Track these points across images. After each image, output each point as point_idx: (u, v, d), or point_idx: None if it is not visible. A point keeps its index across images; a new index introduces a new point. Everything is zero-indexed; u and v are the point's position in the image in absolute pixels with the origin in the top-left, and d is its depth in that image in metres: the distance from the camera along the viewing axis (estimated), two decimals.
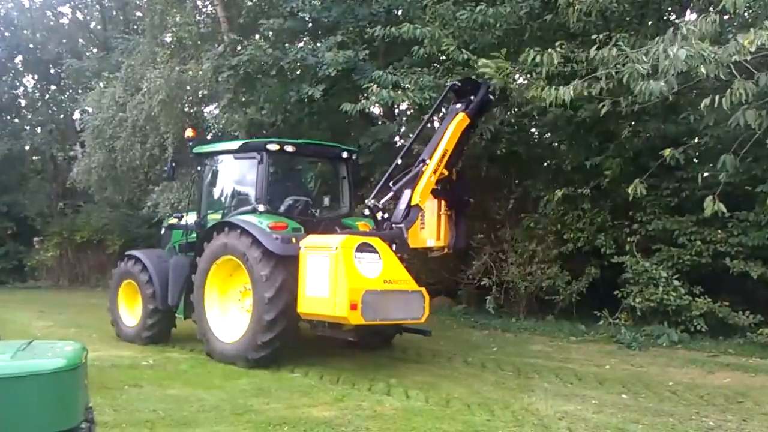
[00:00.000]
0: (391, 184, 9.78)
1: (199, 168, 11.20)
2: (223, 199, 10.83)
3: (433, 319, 13.88)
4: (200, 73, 15.26)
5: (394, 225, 9.39)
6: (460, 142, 10.21)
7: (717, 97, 7.85)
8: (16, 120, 26.49)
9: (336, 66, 13.23)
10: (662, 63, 7.66)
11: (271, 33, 14.63)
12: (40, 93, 27.48)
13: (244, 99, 15.36)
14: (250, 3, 17.10)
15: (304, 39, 14.98)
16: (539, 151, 13.68)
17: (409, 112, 17.07)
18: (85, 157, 18.43)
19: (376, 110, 15.78)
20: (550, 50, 9.06)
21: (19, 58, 26.08)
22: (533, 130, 14.35)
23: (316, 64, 13.59)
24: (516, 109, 13.20)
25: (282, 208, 9.98)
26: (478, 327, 12.95)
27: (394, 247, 8.92)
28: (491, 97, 10.74)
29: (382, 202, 9.57)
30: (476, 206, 14.83)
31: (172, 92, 15.17)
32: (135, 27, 21.67)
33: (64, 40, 25.81)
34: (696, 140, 11.46)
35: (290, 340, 9.17)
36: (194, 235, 10.73)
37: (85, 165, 18.52)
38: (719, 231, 11.24)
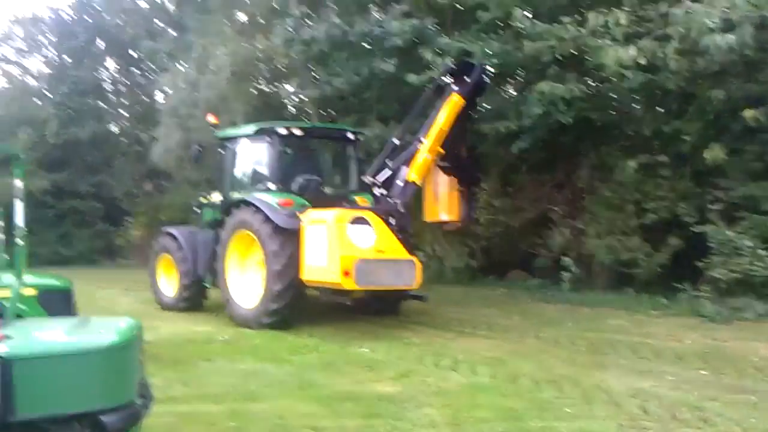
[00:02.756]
0: (388, 161, 10.57)
1: (221, 151, 11.95)
2: (242, 178, 11.62)
3: (507, 293, 13.79)
4: (269, 48, 15.26)
5: (390, 199, 10.13)
6: (460, 121, 10.60)
7: None
8: (101, 103, 27.32)
9: (402, 35, 13.02)
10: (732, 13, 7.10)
11: (336, 5, 14.43)
12: (122, 75, 28.28)
13: (313, 75, 15.39)
14: None
15: (373, 10, 14.77)
16: (615, 117, 13.08)
17: None
18: (163, 137, 18.86)
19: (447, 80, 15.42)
20: (615, 10, 8.56)
21: (100, 42, 26.74)
22: (612, 94, 13.70)
23: (383, 35, 13.41)
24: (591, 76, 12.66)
25: (294, 187, 10.69)
26: (554, 301, 12.61)
27: (392, 220, 9.69)
28: (486, 79, 10.85)
29: (379, 178, 10.40)
30: (551, 177, 14.52)
31: (239, 69, 15.25)
32: (207, 6, 21.90)
33: (136, 21, 26.35)
34: None
35: (298, 307, 10.12)
36: (218, 212, 11.52)
37: (163, 145, 18.98)
38: None
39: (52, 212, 25.58)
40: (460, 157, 11.30)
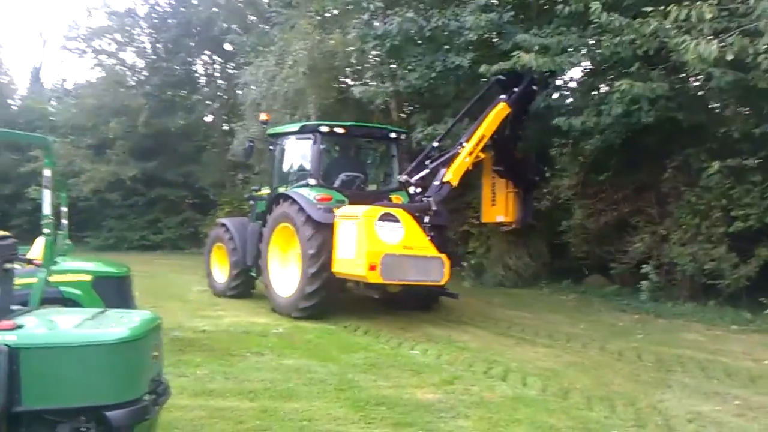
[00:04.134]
0: (428, 162, 11.25)
1: (271, 147, 12.55)
2: (288, 174, 12.06)
3: (580, 298, 13.20)
4: (345, 42, 15.18)
5: (424, 198, 10.55)
6: (512, 127, 11.84)
7: None
8: (191, 95, 28.06)
9: (477, 30, 12.64)
10: None
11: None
12: (213, 68, 28.96)
13: (390, 69, 15.18)
14: None
15: (452, 5, 14.42)
16: (702, 118, 12.23)
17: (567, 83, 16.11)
18: (243, 129, 19.12)
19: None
20: (700, 3, 7.92)
21: (192, 35, 27.39)
22: (700, 93, 12.84)
23: (459, 29, 13.06)
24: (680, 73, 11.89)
25: (336, 183, 11.13)
26: (629, 310, 11.92)
27: (426, 218, 10.09)
28: (534, 87, 12.07)
29: (414, 178, 10.96)
30: (633, 179, 13.77)
31: (316, 63, 15.24)
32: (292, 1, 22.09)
33: (227, 14, 26.80)
34: None
35: (332, 293, 10.43)
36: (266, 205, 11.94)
37: (244, 137, 19.22)
38: None
39: (142, 199, 26.54)
40: (514, 159, 12.16)
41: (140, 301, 11.37)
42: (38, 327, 4.10)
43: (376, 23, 14.34)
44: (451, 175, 10.85)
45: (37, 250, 7.22)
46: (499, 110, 11.48)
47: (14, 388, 3.78)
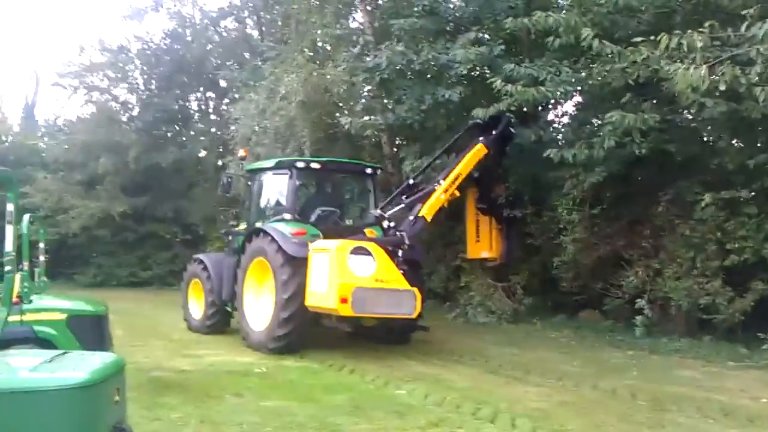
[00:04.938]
0: (403, 197, 11.59)
1: (249, 183, 12.80)
2: (265, 209, 12.15)
3: (573, 334, 12.89)
4: (338, 77, 15.10)
5: (398, 233, 10.70)
6: (491, 167, 12.59)
7: None
8: (184, 130, 27.97)
9: (467, 63, 12.58)
10: None
11: (403, 33, 14.11)
12: (205, 104, 28.93)
13: (380, 103, 15.09)
14: (384, 2, 16.75)
15: (443, 39, 14.38)
16: (696, 150, 12.08)
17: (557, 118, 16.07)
18: (234, 164, 18.93)
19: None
20: (692, 32, 7.80)
21: (185, 71, 27.39)
22: (693, 124, 12.71)
23: (449, 63, 12.99)
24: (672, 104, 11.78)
25: (312, 218, 11.20)
26: (623, 347, 11.61)
27: (400, 252, 10.27)
28: (512, 129, 12.69)
29: (389, 213, 11.13)
30: (626, 213, 13.59)
31: (307, 96, 15.15)
32: (284, 36, 22.13)
33: (220, 50, 26.87)
34: None
35: (306, 325, 10.37)
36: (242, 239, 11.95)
37: (234, 172, 19.03)
38: None
39: (132, 235, 26.21)
40: (496, 197, 12.87)
41: (124, 339, 11.23)
42: None
43: (368, 58, 14.26)
44: (426, 210, 11.08)
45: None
46: (477, 150, 11.91)
47: None
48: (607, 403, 7.78)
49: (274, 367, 9.58)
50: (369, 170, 11.95)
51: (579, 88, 12.94)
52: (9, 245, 4.54)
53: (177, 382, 8.43)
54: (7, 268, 4.49)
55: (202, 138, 28.00)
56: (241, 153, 13.39)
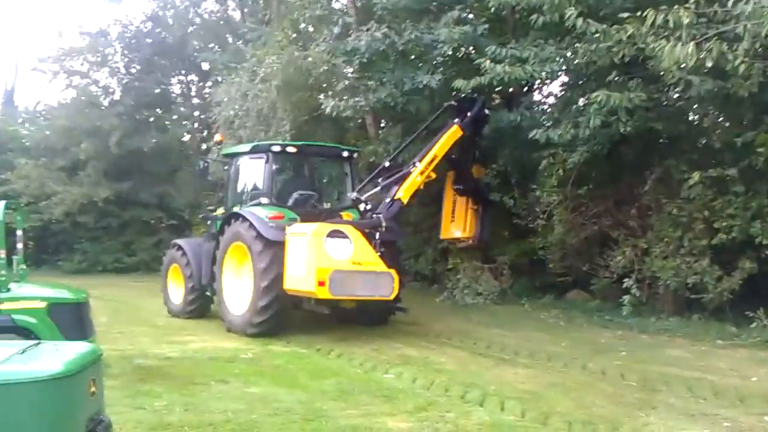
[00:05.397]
0: (380, 180, 11.58)
1: (226, 168, 12.82)
2: (242, 193, 12.09)
3: (562, 315, 12.85)
4: (319, 58, 14.84)
5: (374, 215, 10.73)
6: (466, 148, 12.57)
7: None
8: (166, 114, 27.58)
9: (451, 43, 12.40)
10: None
11: (386, 13, 13.88)
12: (187, 87, 28.55)
13: (363, 84, 14.86)
14: None
15: (426, 19, 14.15)
16: (682, 128, 12.00)
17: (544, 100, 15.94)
18: (216, 147, 18.67)
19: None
20: (678, 8, 7.67)
21: (167, 55, 26.97)
22: (679, 102, 12.62)
23: (432, 43, 12.80)
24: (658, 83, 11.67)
25: (289, 202, 11.19)
26: (612, 327, 11.61)
27: (377, 234, 10.26)
28: (486, 111, 12.74)
29: (365, 196, 11.18)
30: (613, 192, 13.53)
31: (289, 79, 14.90)
32: (266, 17, 21.80)
33: (202, 33, 26.44)
34: None
35: (285, 309, 10.45)
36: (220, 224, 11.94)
37: (217, 156, 18.78)
38: None
39: (115, 221, 25.87)
40: (472, 179, 12.87)
41: (108, 326, 11.08)
42: None
43: (349, 39, 14.03)
44: (402, 192, 11.14)
45: None
46: (452, 132, 11.92)
47: None
48: (596, 384, 7.75)
49: (260, 352, 9.47)
50: (346, 153, 11.98)
51: (564, 67, 12.79)
52: None
53: (161, 370, 8.30)
54: None
55: (185, 122, 27.68)
56: (218, 137, 13.39)
